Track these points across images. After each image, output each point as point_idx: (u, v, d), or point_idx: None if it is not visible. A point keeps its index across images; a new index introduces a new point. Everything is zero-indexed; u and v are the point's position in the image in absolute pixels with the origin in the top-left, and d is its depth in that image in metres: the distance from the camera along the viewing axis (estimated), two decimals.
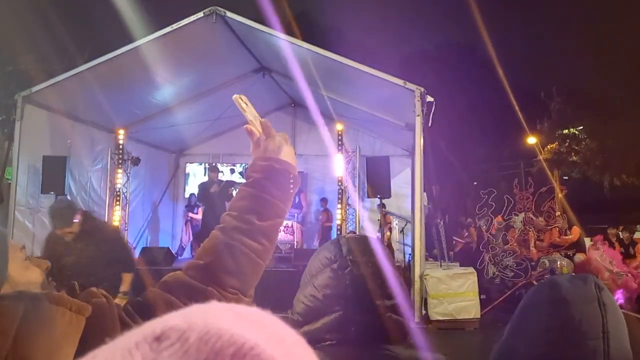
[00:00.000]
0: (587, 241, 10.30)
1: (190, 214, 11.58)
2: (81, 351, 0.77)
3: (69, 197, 9.13)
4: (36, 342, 0.75)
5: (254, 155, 1.08)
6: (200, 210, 11.67)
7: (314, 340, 0.96)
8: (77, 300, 0.83)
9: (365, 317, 0.93)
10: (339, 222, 9.46)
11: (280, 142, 1.06)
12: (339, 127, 9.69)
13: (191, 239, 11.55)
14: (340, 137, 9.47)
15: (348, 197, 9.76)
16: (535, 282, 8.07)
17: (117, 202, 9.64)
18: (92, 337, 0.79)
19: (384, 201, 9.48)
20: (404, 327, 0.95)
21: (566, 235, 8.98)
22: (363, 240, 1.02)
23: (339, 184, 9.57)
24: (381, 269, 0.96)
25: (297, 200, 11.20)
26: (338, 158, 9.38)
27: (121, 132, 9.87)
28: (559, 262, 8.16)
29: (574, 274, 8.22)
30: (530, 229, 8.46)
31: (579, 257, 8.83)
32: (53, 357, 0.76)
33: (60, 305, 0.79)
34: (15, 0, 15.51)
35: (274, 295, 7.80)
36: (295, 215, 10.89)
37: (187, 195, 12.31)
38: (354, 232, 9.59)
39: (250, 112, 1.11)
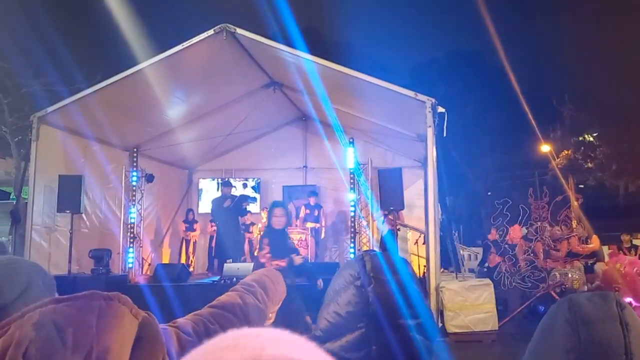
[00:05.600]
0: (605, 249, 10.16)
1: (190, 233, 11.60)
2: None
3: (84, 216, 9.23)
4: (113, 335, 0.89)
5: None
6: (198, 226, 11.75)
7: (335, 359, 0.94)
8: (134, 305, 0.98)
9: (387, 335, 0.92)
10: (352, 230, 9.42)
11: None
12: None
13: (191, 257, 11.58)
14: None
15: (362, 210, 9.71)
16: (552, 293, 7.96)
17: (132, 219, 9.70)
18: (140, 344, 0.93)
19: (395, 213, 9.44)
20: (427, 347, 0.93)
21: (586, 244, 8.84)
22: (387, 257, 1.01)
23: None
24: (405, 287, 0.95)
25: (316, 213, 11.19)
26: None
27: (135, 150, 9.96)
28: (570, 275, 8.03)
29: (586, 285, 8.08)
30: (539, 240, 8.35)
31: (600, 266, 8.69)
32: (124, 351, 0.89)
33: (125, 306, 0.93)
34: (28, 21, 15.82)
35: None
36: (310, 229, 10.87)
37: (203, 210, 12.34)
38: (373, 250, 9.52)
39: None
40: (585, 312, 0.92)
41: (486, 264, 10.08)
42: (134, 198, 9.79)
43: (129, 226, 9.68)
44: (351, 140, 9.53)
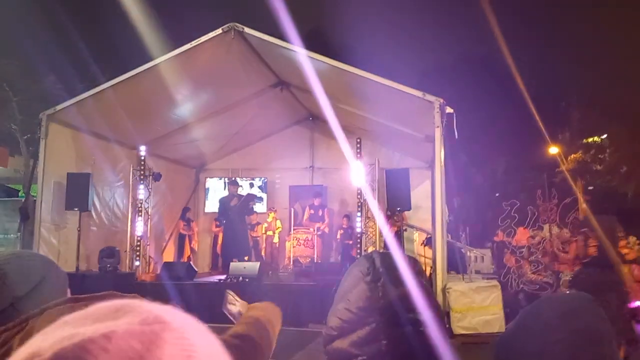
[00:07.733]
0: None
1: (187, 231, 11.68)
2: None
3: (93, 214, 9.27)
4: None
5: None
6: (195, 225, 11.81)
7: (345, 357, 0.94)
8: None
9: (398, 329, 0.92)
10: (358, 229, 9.40)
11: None
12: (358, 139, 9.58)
13: (190, 254, 11.64)
14: (359, 146, 9.38)
15: (368, 210, 9.68)
16: None
17: (139, 217, 9.74)
18: None
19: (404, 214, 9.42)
20: (438, 342, 0.93)
21: None
22: (395, 255, 1.03)
23: (359, 196, 9.50)
24: (414, 282, 0.96)
25: (320, 213, 11.18)
26: (357, 165, 9.29)
27: (142, 149, 10.00)
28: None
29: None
30: (547, 242, 8.30)
31: None
32: None
33: None
34: (37, 21, 15.93)
35: (295, 309, 7.78)
36: (316, 229, 10.87)
37: (210, 209, 12.36)
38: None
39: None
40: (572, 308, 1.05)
41: (492, 267, 10.05)
42: (141, 196, 9.82)
43: (136, 224, 9.71)
44: (358, 140, 9.51)
